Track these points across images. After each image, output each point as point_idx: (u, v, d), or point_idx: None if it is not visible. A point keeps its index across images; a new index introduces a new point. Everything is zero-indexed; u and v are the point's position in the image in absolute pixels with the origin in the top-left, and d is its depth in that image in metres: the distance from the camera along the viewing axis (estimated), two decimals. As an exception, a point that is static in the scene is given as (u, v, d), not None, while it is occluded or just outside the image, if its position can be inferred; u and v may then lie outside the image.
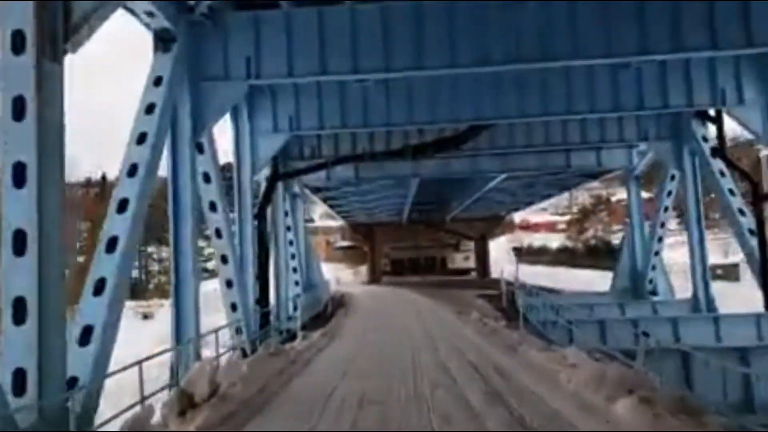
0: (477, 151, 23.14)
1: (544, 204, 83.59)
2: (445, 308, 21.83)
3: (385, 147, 20.14)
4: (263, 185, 18.68)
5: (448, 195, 43.26)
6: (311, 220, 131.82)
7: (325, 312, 23.04)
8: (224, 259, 13.74)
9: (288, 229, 22.35)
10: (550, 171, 25.69)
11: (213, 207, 13.15)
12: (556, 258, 61.83)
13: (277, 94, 16.79)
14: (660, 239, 23.40)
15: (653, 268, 23.41)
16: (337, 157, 20.59)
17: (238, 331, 13.73)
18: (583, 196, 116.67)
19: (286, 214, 21.95)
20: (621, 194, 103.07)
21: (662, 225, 23.62)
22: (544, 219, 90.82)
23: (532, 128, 20.44)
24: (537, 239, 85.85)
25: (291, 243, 22.69)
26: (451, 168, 24.88)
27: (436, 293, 29.52)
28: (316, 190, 30.18)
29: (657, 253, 23.40)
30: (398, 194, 37.27)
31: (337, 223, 58.48)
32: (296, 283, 23.47)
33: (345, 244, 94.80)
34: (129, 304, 40.81)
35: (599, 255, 50.49)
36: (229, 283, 13.82)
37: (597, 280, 33.33)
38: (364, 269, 67.23)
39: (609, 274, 26.52)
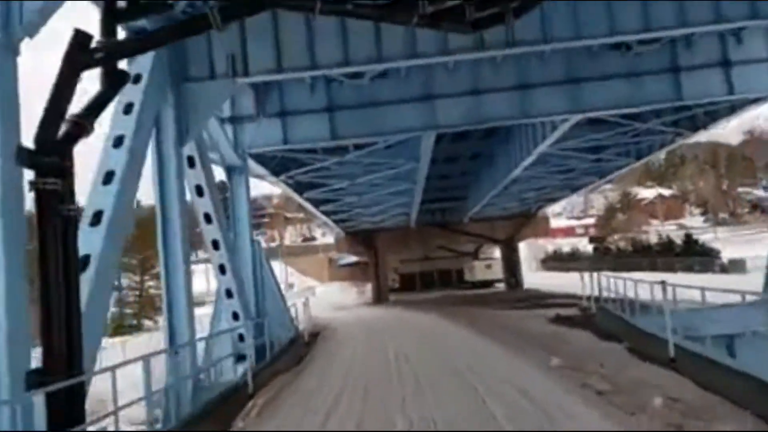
0: (528, 80, 13.91)
1: (558, 208, 74.11)
2: (512, 357, 10.78)
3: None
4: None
5: (464, 188, 33.82)
6: (312, 239, 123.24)
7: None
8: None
9: (207, 220, 12.96)
10: (650, 105, 15.84)
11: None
12: (597, 263, 51.82)
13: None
14: None
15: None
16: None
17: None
18: (597, 199, 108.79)
19: (199, 192, 12.62)
20: (643, 193, 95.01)
21: None
22: (559, 224, 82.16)
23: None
24: (556, 245, 77.01)
25: (216, 246, 13.22)
26: (486, 111, 15.33)
27: (470, 318, 19.31)
28: (280, 170, 20.51)
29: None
30: (403, 189, 27.82)
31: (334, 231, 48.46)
32: (235, 316, 13.98)
33: (349, 260, 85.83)
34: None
35: (663, 254, 40.61)
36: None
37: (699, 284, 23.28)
38: (370, 288, 58.27)
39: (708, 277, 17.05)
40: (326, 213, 32.30)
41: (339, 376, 10.48)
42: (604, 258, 52.38)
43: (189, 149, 12.34)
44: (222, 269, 13.68)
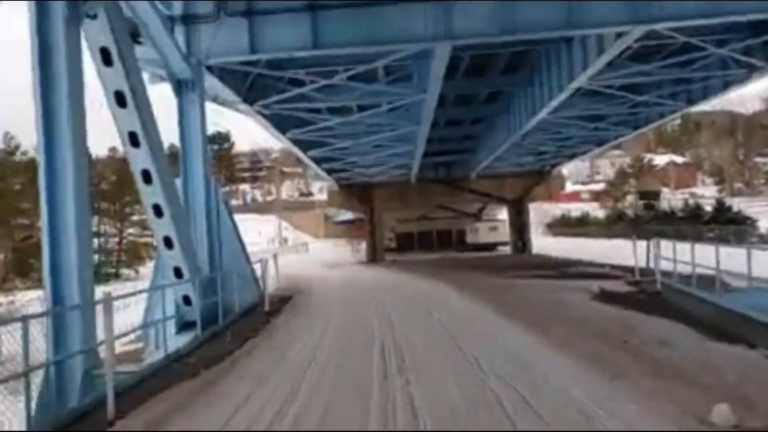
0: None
1: (564, 171, 70.18)
2: (575, 369, 6.39)
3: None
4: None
5: (475, 137, 29.99)
6: (309, 194, 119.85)
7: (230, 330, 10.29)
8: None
9: (133, 141, 9.35)
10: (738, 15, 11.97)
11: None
12: (611, 229, 48.43)
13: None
14: None
15: None
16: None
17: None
18: (603, 164, 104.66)
19: (119, 102, 9.00)
20: (657, 159, 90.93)
21: None
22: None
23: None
24: (561, 209, 73.71)
25: (147, 179, 9.68)
26: (520, 18, 11.48)
27: (485, 289, 15.33)
28: (254, 96, 16.63)
29: None
30: (405, 136, 24.00)
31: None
32: (177, 273, 10.56)
33: (345, 217, 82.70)
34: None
35: (689, 221, 36.98)
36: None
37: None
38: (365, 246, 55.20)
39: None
40: (316, 160, 28.54)
41: (286, 383, 6.52)
42: (618, 224, 48.83)
43: (103, 37, 8.64)
44: (158, 211, 10.17)
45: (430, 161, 32.97)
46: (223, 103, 16.23)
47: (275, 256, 17.83)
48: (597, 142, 28.98)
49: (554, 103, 17.77)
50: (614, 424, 4.55)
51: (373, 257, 37.72)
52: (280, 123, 20.92)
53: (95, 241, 45.53)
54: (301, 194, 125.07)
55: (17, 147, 46.97)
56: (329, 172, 33.49)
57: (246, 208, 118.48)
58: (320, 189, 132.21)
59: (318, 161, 29.99)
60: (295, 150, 26.29)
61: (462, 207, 47.38)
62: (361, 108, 20.48)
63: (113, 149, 56.50)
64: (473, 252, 42.82)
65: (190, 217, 11.90)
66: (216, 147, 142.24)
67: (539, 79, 18.33)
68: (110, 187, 49.24)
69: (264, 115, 18.46)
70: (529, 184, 37.70)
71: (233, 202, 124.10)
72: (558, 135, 26.86)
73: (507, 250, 41.56)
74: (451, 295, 14.58)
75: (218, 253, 12.46)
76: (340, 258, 44.76)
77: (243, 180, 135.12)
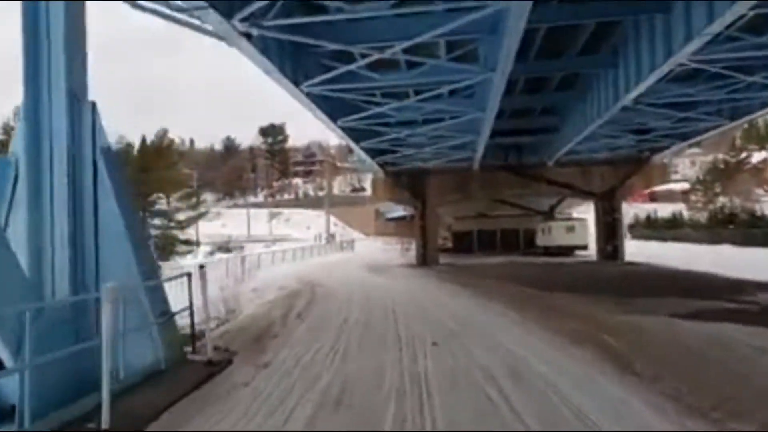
0: None
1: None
2: None
3: None
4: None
5: (557, 112, 22.90)
6: (361, 189, 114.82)
7: None
8: None
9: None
10: None
11: None
12: (716, 233, 39.79)
13: None
14: None
15: None
16: None
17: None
18: (683, 163, 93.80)
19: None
20: (756, 156, 79.68)
21: None
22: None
23: None
24: (637, 209, 64.93)
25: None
26: None
27: (650, 351, 8.01)
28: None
29: None
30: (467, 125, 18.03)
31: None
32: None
33: (396, 213, 76.51)
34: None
35: None
36: None
37: None
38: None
39: None
40: (354, 135, 21.98)
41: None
42: (725, 228, 40.01)
43: None
44: None
45: (497, 143, 26.02)
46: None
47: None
48: (731, 116, 21.15)
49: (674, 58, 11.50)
50: None
51: (424, 260, 30.92)
52: (329, 107, 17.08)
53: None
54: (353, 189, 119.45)
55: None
56: (374, 155, 26.96)
57: (297, 203, 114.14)
58: (372, 184, 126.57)
59: (367, 149, 24.50)
60: (339, 133, 20.57)
61: (531, 203, 39.98)
62: (419, 92, 17.32)
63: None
64: (545, 257, 35.38)
65: (26, 180, 5.61)
66: (270, 140, 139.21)
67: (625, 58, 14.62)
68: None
69: (311, 97, 14.44)
70: (622, 174, 29.90)
71: (285, 196, 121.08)
72: (679, 105, 19.41)
73: (586, 254, 33.94)
74: (572, 371, 7.51)
75: (93, 258, 6.12)
76: (387, 259, 38.25)
77: (296, 174, 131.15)
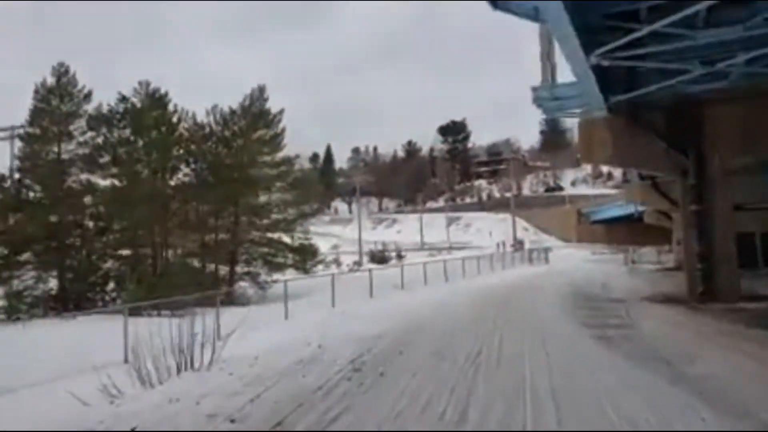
0: None
1: None
2: None
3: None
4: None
5: None
6: (558, 188, 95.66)
7: None
8: None
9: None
10: None
11: None
12: None
13: None
14: None
15: None
16: None
17: None
18: None
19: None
20: None
21: None
22: None
23: None
24: None
25: None
26: None
27: None
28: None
29: None
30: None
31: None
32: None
33: (606, 214, 58.82)
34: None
35: None
36: None
37: None
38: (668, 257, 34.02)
39: None
40: None
41: None
42: None
43: None
44: None
45: None
46: None
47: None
48: None
49: None
50: None
51: (706, 288, 14.81)
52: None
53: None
54: (548, 189, 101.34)
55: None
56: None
57: (480, 206, 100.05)
58: (572, 182, 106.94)
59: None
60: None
61: None
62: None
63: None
64: None
65: None
66: (450, 139, 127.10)
67: None
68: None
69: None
70: None
71: (467, 200, 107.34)
72: None
73: None
74: None
75: None
76: (607, 278, 22.59)
77: (479, 176, 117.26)
